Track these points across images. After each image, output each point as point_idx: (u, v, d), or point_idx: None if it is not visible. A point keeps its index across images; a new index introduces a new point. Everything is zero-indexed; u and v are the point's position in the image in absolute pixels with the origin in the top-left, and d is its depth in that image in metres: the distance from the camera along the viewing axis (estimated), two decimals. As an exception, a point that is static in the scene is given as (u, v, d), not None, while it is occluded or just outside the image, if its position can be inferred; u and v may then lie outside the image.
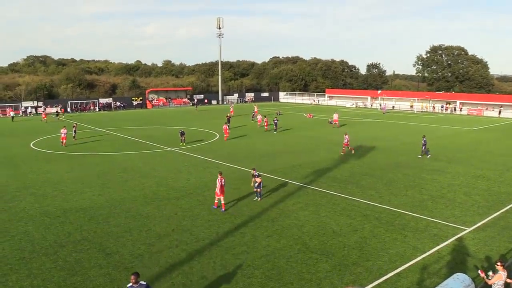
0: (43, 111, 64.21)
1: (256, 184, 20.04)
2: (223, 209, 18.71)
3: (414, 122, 58.24)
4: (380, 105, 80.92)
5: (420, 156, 31.45)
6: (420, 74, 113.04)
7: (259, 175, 20.27)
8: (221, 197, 18.77)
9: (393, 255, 14.41)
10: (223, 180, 18.76)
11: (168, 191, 21.89)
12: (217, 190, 18.76)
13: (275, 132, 44.27)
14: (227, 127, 41.35)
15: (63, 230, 16.52)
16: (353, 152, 32.06)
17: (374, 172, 26.42)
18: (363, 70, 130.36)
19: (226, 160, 29.67)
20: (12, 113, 61.78)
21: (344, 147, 32.50)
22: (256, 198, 20.20)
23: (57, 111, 66.44)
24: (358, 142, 38.11)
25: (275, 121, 45.60)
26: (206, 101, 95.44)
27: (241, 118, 58.49)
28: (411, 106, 77.82)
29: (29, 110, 69.67)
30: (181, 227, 16.88)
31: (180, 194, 21.32)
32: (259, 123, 47.54)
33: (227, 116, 51.74)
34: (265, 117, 50.94)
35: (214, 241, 15.47)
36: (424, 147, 31.52)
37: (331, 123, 52.13)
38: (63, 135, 36.23)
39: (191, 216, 18.09)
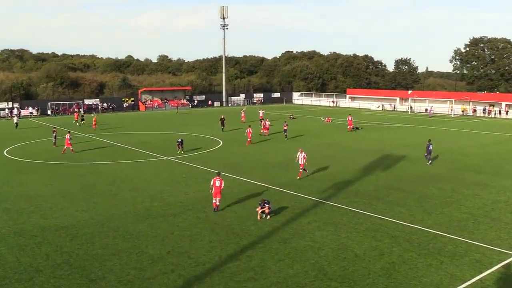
0: (16, 115, 65.03)
1: (264, 216, 20.11)
2: (216, 209, 20.86)
3: (450, 127, 57.91)
4: (426, 109, 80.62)
5: (428, 163, 32.28)
6: (458, 71, 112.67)
7: (269, 203, 20.24)
8: (217, 198, 20.89)
9: (427, 285, 14.24)
10: (222, 182, 20.81)
11: (163, 207, 21.93)
12: (212, 191, 20.85)
13: (286, 139, 44.32)
14: (250, 131, 42.42)
15: (40, 252, 16.60)
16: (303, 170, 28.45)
17: (404, 185, 26.25)
18: (390, 67, 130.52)
19: (231, 171, 29.71)
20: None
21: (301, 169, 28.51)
22: (264, 216, 20.16)
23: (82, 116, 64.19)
24: (385, 151, 37.96)
25: (285, 126, 45.53)
26: (209, 103, 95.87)
27: (247, 125, 58.47)
28: (451, 109, 77.38)
29: (2, 112, 70.77)
30: (178, 249, 16.87)
31: (177, 210, 21.33)
32: (266, 131, 47.53)
33: (220, 119, 52.17)
34: (262, 120, 51.24)
35: (216, 266, 15.43)
36: (428, 153, 32.34)
37: (293, 117, 57.67)
38: (69, 141, 37.24)
39: (190, 236, 18.09)
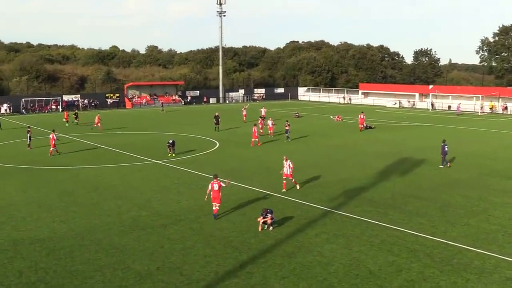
0: None
1: (266, 227, 20.11)
2: (215, 215, 21.40)
3: (476, 126, 57.90)
4: (449, 106, 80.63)
5: (441, 166, 32.70)
6: (485, 64, 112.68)
7: (271, 212, 20.20)
8: (216, 204, 21.47)
9: (450, 305, 14.19)
10: (220, 185, 21.43)
11: (152, 217, 21.92)
12: (212, 195, 21.45)
13: (286, 140, 44.22)
14: (256, 130, 42.97)
15: (12, 269, 16.60)
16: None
17: (424, 193, 26.22)
18: (409, 59, 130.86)
19: (229, 176, 29.56)
20: None
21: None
22: (266, 227, 20.15)
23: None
24: (402, 154, 37.96)
25: (287, 126, 45.35)
26: (205, 99, 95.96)
27: (249, 124, 58.59)
28: (481, 107, 77.33)
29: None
30: (169, 264, 16.87)
31: (168, 221, 21.33)
32: (270, 131, 47.42)
33: (215, 117, 52.40)
34: (263, 119, 51.30)
35: (211, 283, 15.41)
36: (443, 154, 32.85)
37: (298, 116, 60.41)
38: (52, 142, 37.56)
39: (182, 250, 18.09)
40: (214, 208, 21.58)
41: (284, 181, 26.36)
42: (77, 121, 58.72)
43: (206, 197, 21.83)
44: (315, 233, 19.83)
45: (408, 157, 36.48)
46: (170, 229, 20.25)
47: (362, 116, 53.57)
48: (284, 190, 26.16)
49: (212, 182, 21.70)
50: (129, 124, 59.17)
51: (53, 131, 39.25)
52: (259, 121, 49.03)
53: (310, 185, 27.89)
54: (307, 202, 24.31)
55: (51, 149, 37.52)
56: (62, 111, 77.19)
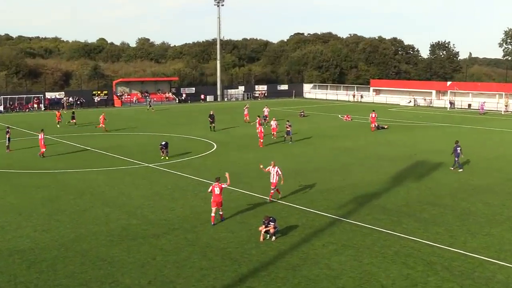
0: None
1: (269, 236, 20.12)
2: (222, 219, 22.17)
3: (498, 127, 57.85)
4: (469, 105, 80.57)
5: (452, 168, 33.32)
6: (509, 58, 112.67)
7: (274, 221, 20.17)
8: (219, 208, 22.02)
9: (471, 323, 14.17)
10: (221, 188, 21.97)
11: (143, 226, 21.92)
12: (213, 200, 21.96)
13: (290, 142, 44.17)
14: (262, 129, 43.56)
15: (-10, 282, 16.58)
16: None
17: (441, 199, 26.21)
18: (425, 53, 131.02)
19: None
20: None
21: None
22: (268, 237, 20.14)
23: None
24: (418, 157, 37.96)
25: (288, 127, 45.23)
26: (202, 97, 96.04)
27: (252, 125, 58.61)
28: (506, 105, 77.16)
29: None
30: (162, 278, 16.86)
31: (161, 230, 21.33)
32: (273, 133, 47.28)
33: (210, 115, 52.73)
34: (265, 119, 51.28)
35: (208, 300, 15.39)
36: (456, 156, 33.15)
37: (303, 115, 62.97)
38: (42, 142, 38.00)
39: (176, 262, 18.08)
40: (212, 214, 21.98)
41: (272, 190, 25.70)
42: (74, 121, 57.85)
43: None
44: (322, 243, 19.82)
45: (424, 161, 36.46)
46: (163, 239, 20.24)
47: (373, 115, 53.64)
48: (269, 200, 25.62)
49: (213, 185, 22.18)
50: (118, 124, 59.18)
51: (42, 130, 39.38)
52: (257, 121, 49.09)
53: (317, 191, 27.90)
54: (313, 209, 24.29)
55: (42, 150, 37.79)
56: (45, 109, 77.26)
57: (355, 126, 57.97)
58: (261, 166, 26.34)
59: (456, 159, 33.36)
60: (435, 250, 19.23)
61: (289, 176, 31.44)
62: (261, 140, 42.93)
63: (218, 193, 21.94)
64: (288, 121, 46.70)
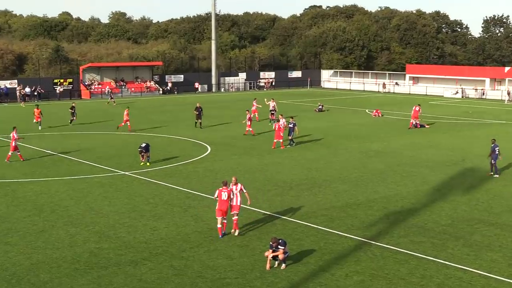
0: None
1: (277, 263, 20.14)
2: (236, 230, 23.37)
3: None
4: None
5: (492, 174, 34.25)
6: None
7: (284, 244, 20.13)
8: (225, 217, 22.94)
9: None
10: (229, 193, 22.88)
11: (117, 250, 21.85)
12: (218, 207, 22.85)
13: (289, 146, 43.91)
14: (281, 127, 43.74)
15: None
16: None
17: (497, 218, 26.07)
18: (476, 31, 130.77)
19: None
20: None
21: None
22: (277, 265, 20.14)
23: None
24: (466, 163, 37.92)
25: (291, 125, 44.80)
26: (196, 85, 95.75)
27: (260, 124, 58.48)
28: None
29: None
30: (140, 316, 16.83)
31: (140, 256, 21.27)
32: (280, 134, 47.19)
33: (196, 108, 53.49)
34: (272, 114, 51.15)
35: None
36: (494, 159, 33.95)
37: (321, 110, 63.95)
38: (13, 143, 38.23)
39: (159, 297, 18.07)
40: (218, 225, 23.07)
41: (234, 217, 23.74)
42: (74, 118, 56.42)
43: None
44: (344, 273, 19.78)
45: (474, 168, 36.35)
46: (142, 268, 20.19)
47: (417, 109, 53.88)
48: (235, 230, 23.86)
49: (220, 189, 23.04)
50: (86, 121, 59.18)
51: (14, 128, 39.17)
52: (247, 117, 49.18)
53: (338, 206, 27.82)
54: (333, 229, 24.23)
55: (9, 153, 38.06)
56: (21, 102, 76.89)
57: (387, 123, 57.89)
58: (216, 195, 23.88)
59: (493, 162, 33.91)
60: (490, 282, 19.15)
61: (302, 187, 31.46)
62: (275, 141, 43.34)
63: (226, 199, 22.73)
64: (291, 117, 46.19)
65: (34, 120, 54.83)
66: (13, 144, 38.04)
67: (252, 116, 54.67)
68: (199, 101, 57.66)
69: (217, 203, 23.03)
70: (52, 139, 47.69)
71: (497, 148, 33.94)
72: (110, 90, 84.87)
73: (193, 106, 55.65)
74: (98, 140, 47.32)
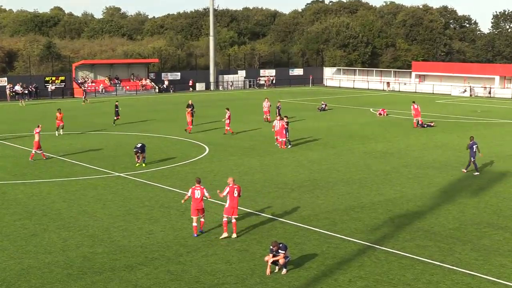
0: None
1: (277, 269, 20.08)
2: (201, 231, 23.80)
3: None
4: None
5: (464, 170, 35.31)
6: None
7: (285, 248, 20.06)
8: (201, 216, 23.53)
9: None
10: (203, 193, 23.33)
11: (112, 255, 21.81)
12: (193, 207, 23.46)
13: (289, 146, 43.79)
14: (284, 125, 43.89)
15: None
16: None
17: (507, 221, 26.03)
18: (485, 26, 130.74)
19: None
20: None
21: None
22: (277, 270, 20.08)
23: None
24: (477, 164, 37.83)
25: (286, 125, 44.78)
26: (191, 83, 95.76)
27: (258, 121, 58.47)
28: None
29: None
30: (135, 324, 16.79)
31: (135, 261, 21.23)
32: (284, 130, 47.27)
33: (188, 105, 53.79)
34: (279, 113, 51.17)
35: None
36: (472, 157, 34.90)
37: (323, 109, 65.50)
38: None
39: (155, 304, 18.02)
40: (193, 223, 23.62)
41: (226, 220, 23.57)
42: (118, 117, 55.39)
43: (184, 200, 24.38)
44: (347, 278, 19.73)
45: (483, 169, 36.30)
46: (138, 273, 20.14)
47: (416, 106, 54.03)
48: (225, 234, 23.69)
49: (193, 187, 23.57)
50: (79, 120, 59.16)
51: (39, 126, 39.68)
52: (227, 115, 49.38)
53: (341, 209, 27.78)
54: (336, 233, 24.20)
55: (33, 151, 38.63)
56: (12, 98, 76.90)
57: (392, 123, 57.86)
58: (218, 191, 24.22)
59: (473, 159, 34.60)
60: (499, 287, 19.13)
61: (304, 189, 31.43)
62: (280, 139, 43.71)
63: (199, 197, 23.18)
64: (286, 116, 46.11)
65: (56, 125, 50.50)
66: (38, 141, 38.42)
67: (265, 117, 56.14)
68: (191, 99, 57.79)
69: (192, 202, 23.51)
70: (43, 140, 47.46)
71: (475, 145, 34.79)
72: (84, 89, 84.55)
73: (195, 104, 55.90)
74: (90, 141, 47.25)
